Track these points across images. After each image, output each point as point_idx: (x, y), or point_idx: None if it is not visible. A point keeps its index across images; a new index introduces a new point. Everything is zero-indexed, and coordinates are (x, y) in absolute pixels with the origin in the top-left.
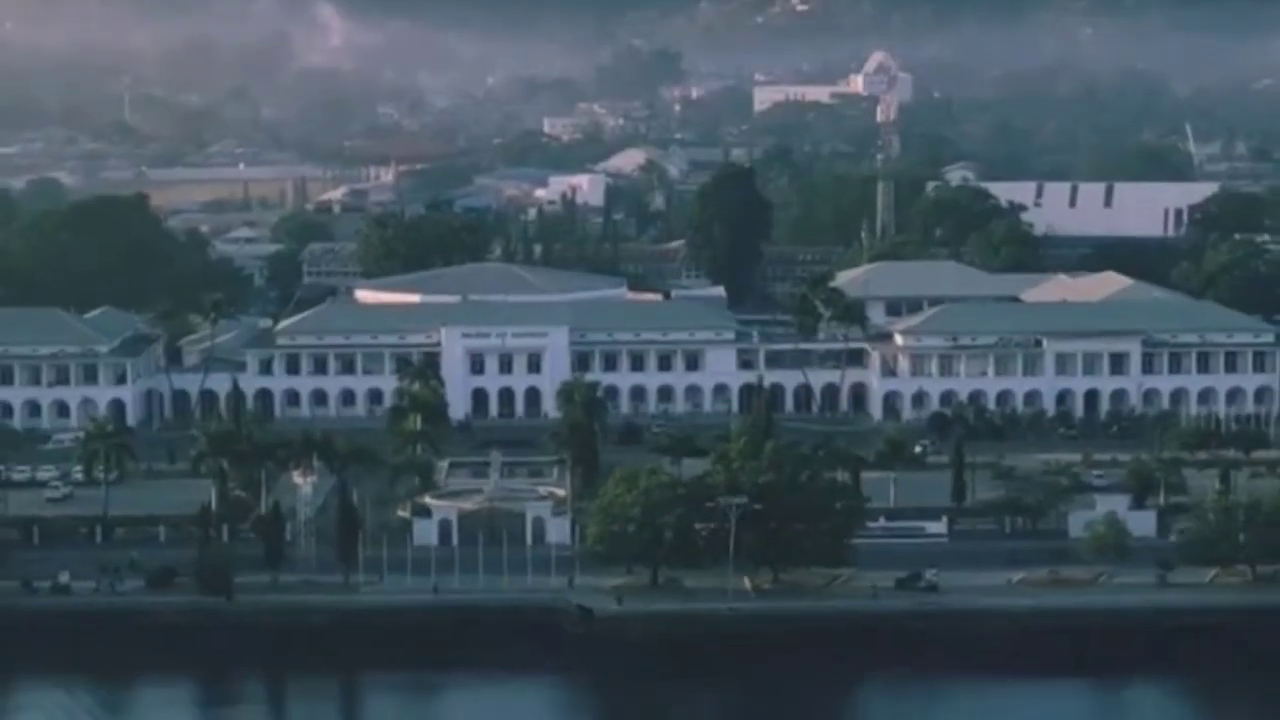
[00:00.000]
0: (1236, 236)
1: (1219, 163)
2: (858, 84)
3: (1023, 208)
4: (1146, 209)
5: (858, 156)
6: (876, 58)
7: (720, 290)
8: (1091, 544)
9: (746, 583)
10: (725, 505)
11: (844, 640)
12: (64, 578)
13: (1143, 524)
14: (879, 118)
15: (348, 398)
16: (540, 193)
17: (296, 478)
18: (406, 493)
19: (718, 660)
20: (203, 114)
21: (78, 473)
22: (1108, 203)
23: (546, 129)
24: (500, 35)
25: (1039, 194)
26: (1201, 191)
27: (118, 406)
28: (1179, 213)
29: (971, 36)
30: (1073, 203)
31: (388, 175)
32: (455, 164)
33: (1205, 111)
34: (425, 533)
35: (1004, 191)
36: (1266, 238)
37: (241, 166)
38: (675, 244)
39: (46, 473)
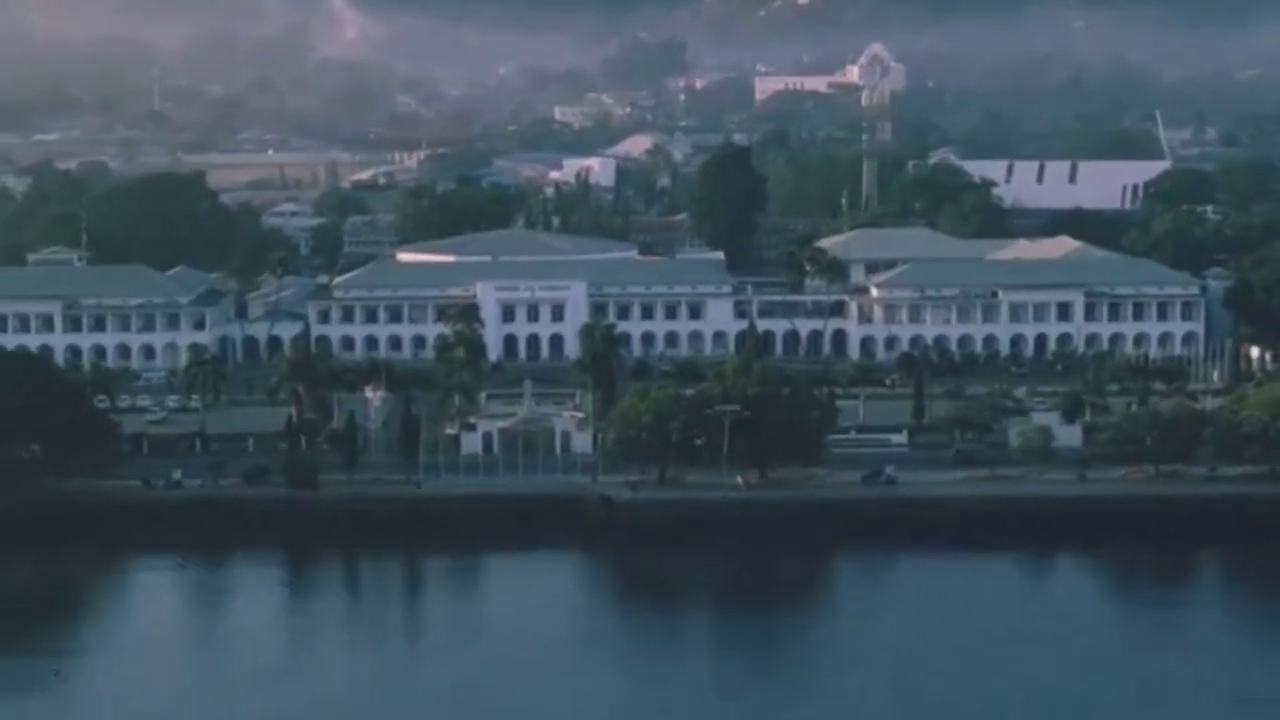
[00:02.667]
0: (1183, 208)
1: (1191, 147)
2: (854, 75)
3: (993, 183)
4: (1107, 185)
5: (850, 141)
6: (872, 50)
7: (720, 255)
8: (1022, 447)
9: (739, 479)
10: (721, 413)
11: (818, 523)
12: (176, 475)
13: (1070, 437)
14: (864, 102)
15: (395, 343)
16: (555, 174)
17: (368, 392)
18: (456, 411)
19: (714, 538)
20: (230, 103)
21: (172, 400)
22: (1072, 179)
23: (557, 117)
24: (510, 29)
25: (1009, 171)
26: (1158, 169)
27: (197, 350)
28: (1135, 188)
29: (967, 29)
30: (1040, 179)
31: (411, 160)
32: (474, 148)
33: (1185, 100)
34: (471, 444)
35: (977, 169)
36: (1210, 208)
37: (271, 152)
38: (679, 216)
39: (144, 401)
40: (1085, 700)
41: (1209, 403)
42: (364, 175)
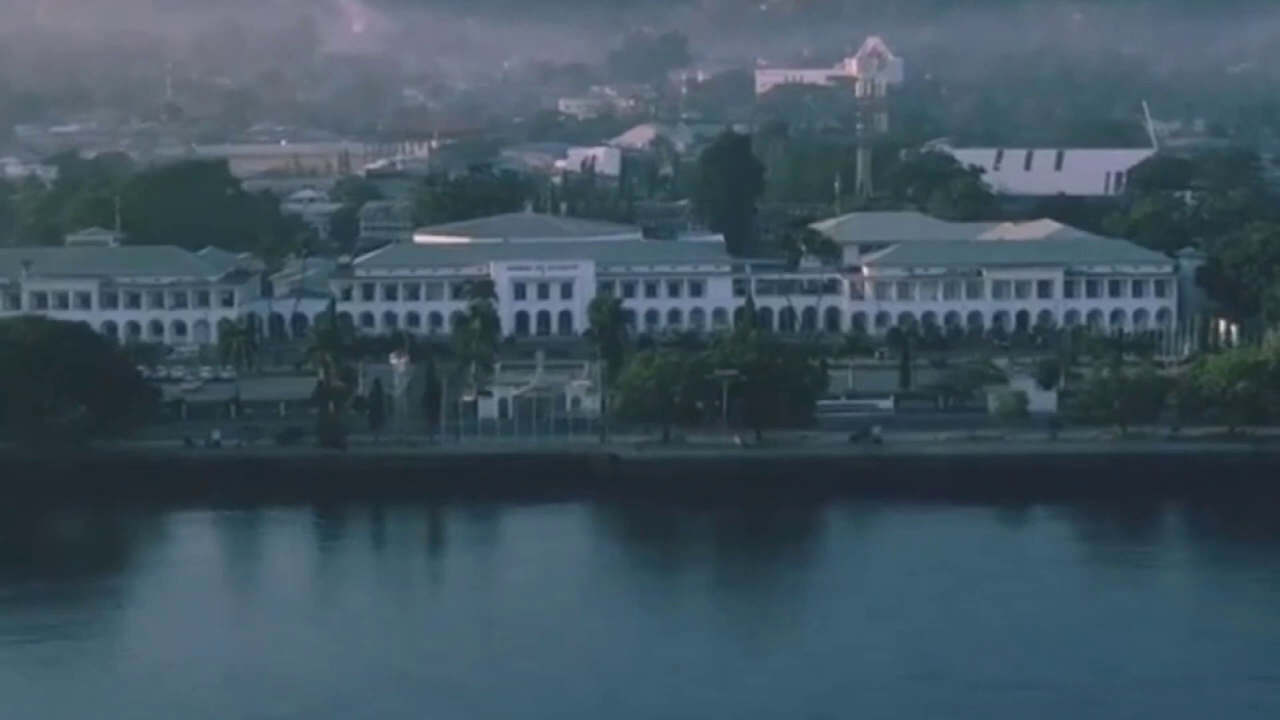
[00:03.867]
0: (1163, 193)
1: (1179, 138)
2: (853, 68)
3: (982, 170)
4: (1092, 172)
5: (847, 131)
6: (870, 43)
7: (720, 238)
8: (999, 410)
9: (736, 439)
10: (719, 377)
11: (809, 479)
12: (215, 436)
13: (1045, 402)
14: (858, 93)
15: (413, 319)
16: (561, 163)
17: (393, 359)
18: (473, 379)
19: (714, 493)
20: (241, 96)
21: (205, 371)
22: (1058, 166)
23: (562, 110)
24: (514, 23)
25: (998, 159)
26: (1141, 157)
27: (229, 324)
28: (1119, 175)
29: (965, 23)
30: (1028, 166)
31: (421, 150)
32: (482, 139)
33: (1176, 92)
34: (488, 409)
35: (967, 157)
36: (1188, 194)
37: (283, 143)
38: (681, 202)
39: (179, 372)
40: (1053, 627)
41: (1175, 370)
42: (377, 164)
